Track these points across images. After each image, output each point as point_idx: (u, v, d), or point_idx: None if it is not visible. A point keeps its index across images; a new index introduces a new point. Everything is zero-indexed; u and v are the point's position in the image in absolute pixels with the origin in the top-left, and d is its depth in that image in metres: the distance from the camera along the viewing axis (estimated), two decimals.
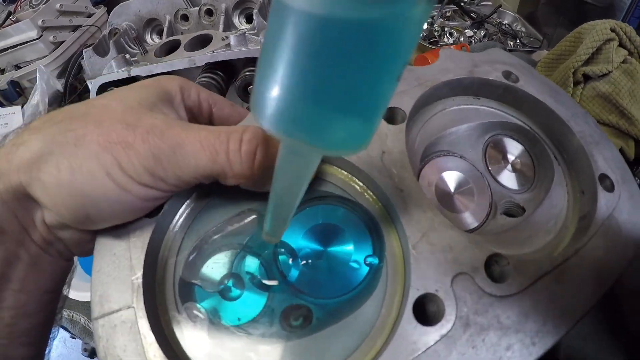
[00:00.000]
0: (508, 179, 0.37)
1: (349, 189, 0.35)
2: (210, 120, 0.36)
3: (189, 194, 0.35)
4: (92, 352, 0.67)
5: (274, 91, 0.16)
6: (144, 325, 0.29)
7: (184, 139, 0.27)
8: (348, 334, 0.30)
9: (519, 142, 0.38)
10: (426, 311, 0.30)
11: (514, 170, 0.37)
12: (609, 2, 0.81)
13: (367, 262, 0.32)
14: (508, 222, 0.35)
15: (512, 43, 0.92)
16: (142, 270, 0.31)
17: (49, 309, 0.33)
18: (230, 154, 0.28)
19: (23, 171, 0.27)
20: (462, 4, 0.98)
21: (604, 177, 0.34)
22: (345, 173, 0.35)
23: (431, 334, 0.28)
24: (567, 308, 0.29)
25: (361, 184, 0.35)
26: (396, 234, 0.33)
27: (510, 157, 0.38)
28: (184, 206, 0.35)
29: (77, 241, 0.32)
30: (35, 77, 0.92)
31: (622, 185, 0.34)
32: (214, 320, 0.32)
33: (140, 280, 0.31)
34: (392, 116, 0.35)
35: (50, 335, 0.37)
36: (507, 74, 0.38)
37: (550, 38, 0.92)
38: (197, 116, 0.35)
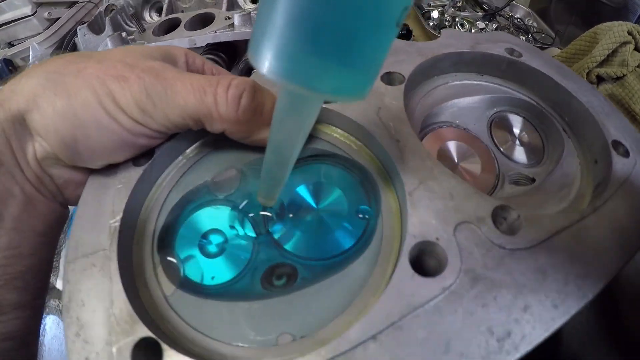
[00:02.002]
0: (516, 153, 0.32)
1: (345, 147, 0.31)
2: None
3: (181, 150, 0.32)
4: None
5: (271, 37, 0.15)
6: (113, 268, 0.25)
7: (177, 81, 0.27)
8: (337, 293, 0.25)
9: (526, 119, 0.34)
10: (426, 264, 0.24)
11: (522, 144, 0.33)
12: (623, 3, 0.75)
13: (360, 215, 0.27)
14: (517, 190, 0.30)
15: (523, 38, 0.83)
16: (121, 215, 0.27)
17: (43, 253, 0.30)
18: (217, 96, 0.26)
19: (24, 99, 0.26)
20: None
21: (617, 144, 0.29)
22: (341, 131, 0.31)
23: (432, 287, 0.22)
24: (590, 269, 0.23)
25: (357, 142, 0.30)
26: (393, 190, 0.28)
27: (517, 132, 0.33)
28: (175, 161, 0.31)
29: (68, 181, 0.30)
30: (29, 55, 0.83)
31: (637, 153, 0.29)
32: (190, 276, 0.26)
33: (117, 224, 0.27)
34: (390, 79, 0.32)
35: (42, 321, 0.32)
36: (510, 51, 0.34)
37: (562, 35, 0.85)
38: None
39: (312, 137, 0.31)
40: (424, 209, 0.24)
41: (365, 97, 0.17)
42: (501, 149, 0.32)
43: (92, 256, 0.26)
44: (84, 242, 0.26)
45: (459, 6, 0.89)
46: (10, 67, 0.87)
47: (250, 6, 0.75)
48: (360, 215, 0.27)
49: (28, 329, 0.28)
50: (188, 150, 0.32)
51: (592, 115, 0.30)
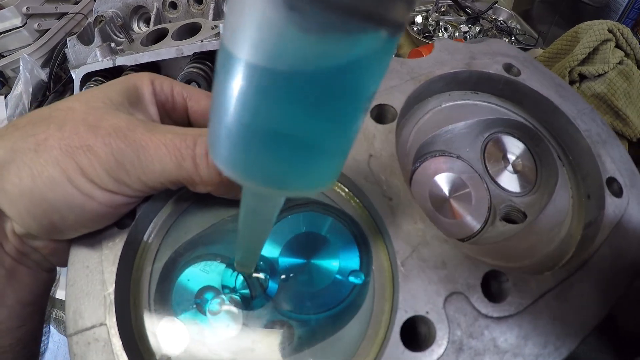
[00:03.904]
0: (508, 180, 0.32)
1: (334, 196, 0.30)
2: (186, 116, 0.31)
3: (163, 202, 0.31)
4: None
5: (229, 134, 0.14)
6: (116, 343, 0.26)
7: (148, 142, 0.24)
8: (332, 355, 0.26)
9: (521, 141, 0.33)
10: (417, 332, 0.25)
11: (515, 171, 0.32)
12: (604, 2, 0.76)
13: (352, 278, 0.28)
14: (508, 230, 0.30)
15: (507, 40, 0.87)
16: (113, 286, 0.27)
17: (31, 324, 0.30)
18: (197, 159, 0.24)
19: None
20: None
21: (611, 181, 0.29)
22: None
23: None
24: (569, 328, 0.25)
25: (347, 190, 0.30)
26: (384, 245, 0.28)
27: (511, 157, 0.33)
28: (158, 215, 0.31)
29: (53, 251, 0.29)
30: (19, 67, 0.83)
31: (630, 189, 0.29)
32: (191, 336, 0.28)
33: (112, 297, 0.27)
34: (381, 114, 0.30)
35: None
36: (507, 67, 0.32)
37: (545, 36, 0.88)
38: (170, 113, 0.31)
39: None
40: (416, 280, 0.25)
41: (330, 187, 0.17)
42: (493, 177, 0.32)
43: (93, 330, 0.26)
44: (82, 315, 0.27)
45: (443, 11, 0.90)
46: (1, 79, 0.89)
47: None
48: (352, 277, 0.28)
49: None
50: (171, 202, 0.31)
51: (589, 147, 0.29)
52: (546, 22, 0.89)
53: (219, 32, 0.62)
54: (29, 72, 0.80)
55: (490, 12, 0.89)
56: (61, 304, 0.55)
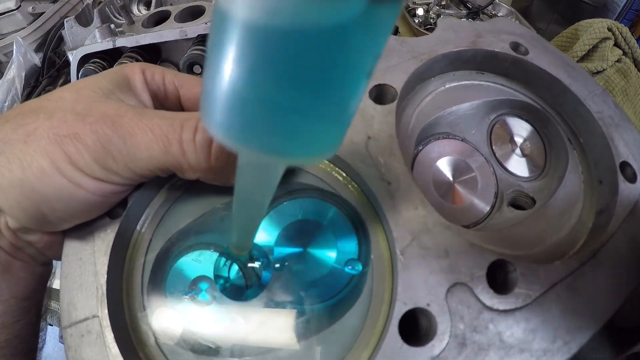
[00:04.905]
0: (516, 164, 0.30)
1: (331, 181, 0.29)
2: (179, 105, 0.30)
3: (156, 191, 0.30)
4: None
5: (226, 99, 0.13)
6: (109, 336, 0.25)
7: (135, 128, 0.23)
8: (329, 346, 0.25)
9: (529, 123, 0.31)
10: (417, 325, 0.24)
11: (523, 154, 0.31)
12: (602, 2, 0.77)
13: (349, 267, 0.27)
14: (515, 216, 0.29)
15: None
16: (105, 277, 0.26)
17: (28, 318, 0.30)
18: (184, 144, 0.23)
19: None
20: None
21: (625, 165, 0.27)
22: (327, 162, 0.29)
23: (420, 357, 0.22)
24: (581, 321, 0.23)
25: (344, 174, 0.28)
26: (384, 233, 0.27)
27: (519, 140, 0.31)
28: (150, 204, 0.30)
29: (48, 244, 0.29)
30: (12, 51, 0.80)
31: None
32: (184, 328, 0.27)
33: (104, 288, 0.26)
34: (380, 95, 0.29)
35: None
36: (515, 46, 0.30)
37: (543, 33, 0.88)
38: (162, 101, 0.30)
39: (296, 168, 0.29)
40: (416, 271, 0.24)
41: (332, 155, 0.16)
42: (500, 161, 0.30)
43: (86, 322, 0.26)
44: (75, 307, 0.26)
45: (444, 4, 0.92)
46: None
47: None
48: (350, 266, 0.27)
49: None
50: (163, 190, 0.30)
51: (601, 129, 0.27)
52: (545, 20, 0.91)
53: None
54: (22, 57, 0.78)
55: (490, 7, 0.90)
56: (57, 294, 0.55)
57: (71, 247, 0.28)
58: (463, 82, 0.31)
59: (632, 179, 0.26)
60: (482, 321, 0.23)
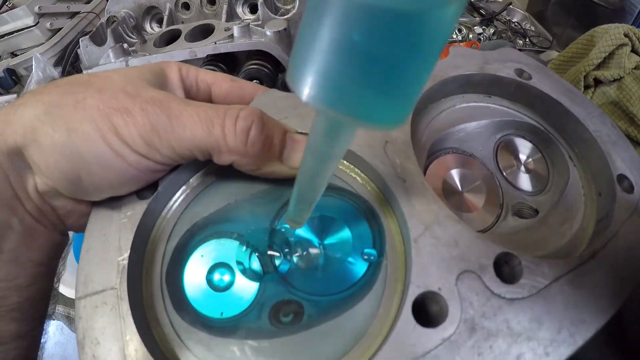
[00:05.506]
0: (521, 180, 0.33)
1: (350, 180, 0.31)
2: (210, 101, 0.34)
3: (185, 180, 0.32)
4: None
5: (316, 65, 0.15)
6: (125, 308, 0.26)
7: (182, 111, 0.26)
8: (342, 334, 0.26)
9: (532, 143, 0.34)
10: (427, 311, 0.25)
11: (527, 171, 0.33)
12: (619, 5, 0.75)
13: (365, 257, 0.28)
14: (520, 224, 0.31)
15: (521, 42, 0.86)
16: (128, 252, 0.28)
17: (42, 283, 0.31)
18: (226, 128, 0.26)
19: (20, 132, 0.25)
20: None
21: (622, 178, 0.30)
22: (347, 164, 0.31)
23: (432, 337, 0.23)
24: (584, 315, 0.25)
25: (363, 175, 0.31)
26: (398, 227, 0.29)
27: (523, 158, 0.34)
28: (178, 192, 0.32)
29: (71, 212, 0.30)
30: (32, 65, 0.85)
31: None
32: (198, 310, 0.28)
33: (126, 262, 0.28)
34: None
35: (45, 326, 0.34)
36: (519, 72, 0.34)
37: (559, 38, 0.87)
38: (194, 97, 0.34)
39: None
40: (428, 257, 0.25)
41: (401, 125, 0.18)
42: (506, 176, 0.33)
43: (103, 294, 0.27)
44: (93, 279, 0.27)
45: None
46: (14, 77, 0.90)
47: (249, 17, 0.76)
48: (365, 257, 0.28)
49: (27, 358, 0.30)
50: (192, 180, 0.32)
51: (599, 146, 0.30)
52: (561, 24, 0.88)
53: (232, 34, 0.63)
54: (41, 71, 0.82)
55: (504, 13, 0.88)
56: (71, 301, 0.54)
57: (96, 222, 0.30)
58: (472, 104, 0.35)
59: (629, 190, 0.29)
60: (490, 308, 0.24)
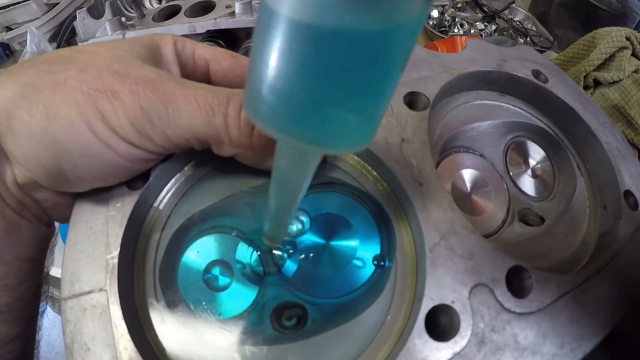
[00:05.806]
0: (527, 184, 0.33)
1: (360, 178, 0.30)
2: (207, 79, 0.30)
3: (179, 167, 0.29)
4: None
5: (269, 88, 0.14)
6: (116, 312, 0.24)
7: (178, 95, 0.23)
8: (347, 342, 0.26)
9: (542, 147, 0.34)
10: (437, 322, 0.25)
11: (534, 176, 0.33)
12: (621, 10, 0.77)
13: (374, 262, 0.27)
14: (525, 231, 0.31)
15: (522, 41, 0.87)
16: (118, 249, 0.26)
17: (31, 281, 0.28)
18: (229, 117, 0.23)
19: None
20: None
21: (628, 194, 0.30)
22: (357, 159, 0.30)
23: (443, 351, 0.23)
24: (585, 330, 0.25)
25: (374, 173, 0.29)
26: (409, 231, 0.28)
27: (532, 162, 0.34)
28: (172, 181, 0.29)
29: (55, 204, 0.28)
30: (26, 40, 0.82)
31: None
32: (195, 312, 0.26)
33: (115, 261, 0.25)
34: (413, 101, 0.30)
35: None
36: (536, 73, 0.33)
37: (560, 39, 0.88)
38: (191, 75, 0.30)
39: (326, 161, 0.30)
40: (443, 269, 0.25)
41: (365, 148, 0.17)
42: (514, 180, 0.33)
43: (91, 295, 0.25)
44: (80, 278, 0.25)
45: (459, 7, 0.91)
46: (7, 51, 0.89)
47: None
48: (375, 261, 0.27)
49: (23, 359, 0.28)
50: (186, 168, 0.30)
51: (609, 159, 0.30)
52: (562, 26, 0.89)
53: (233, 11, 0.61)
54: (35, 46, 0.79)
55: (506, 11, 0.89)
56: (55, 281, 0.51)
57: (81, 214, 0.27)
58: (485, 102, 0.33)
59: (634, 207, 0.29)
60: (500, 322, 0.24)
